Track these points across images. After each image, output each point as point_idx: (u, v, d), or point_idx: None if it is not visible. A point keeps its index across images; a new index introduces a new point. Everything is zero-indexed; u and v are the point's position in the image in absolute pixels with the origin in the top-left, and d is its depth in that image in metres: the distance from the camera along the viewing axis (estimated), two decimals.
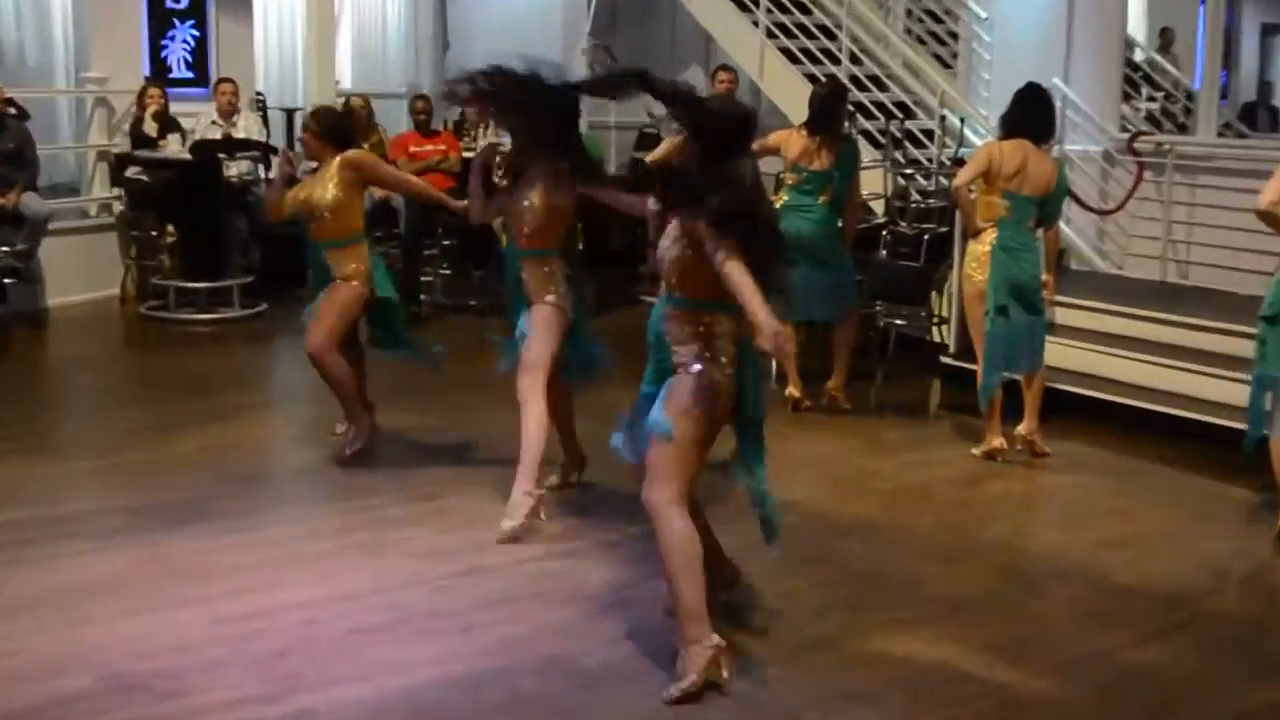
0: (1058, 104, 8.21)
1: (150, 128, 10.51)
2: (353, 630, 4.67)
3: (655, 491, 4.23)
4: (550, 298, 5.81)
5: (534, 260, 5.84)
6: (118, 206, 10.89)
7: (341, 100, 11.58)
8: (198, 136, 10.57)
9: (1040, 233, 7.07)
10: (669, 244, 4.30)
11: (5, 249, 9.58)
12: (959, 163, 9.24)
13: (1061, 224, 7.66)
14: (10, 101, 10.19)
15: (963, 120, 9.86)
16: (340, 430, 6.72)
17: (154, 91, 10.71)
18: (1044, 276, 7.00)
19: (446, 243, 11.15)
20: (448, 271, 11.30)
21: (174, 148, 10.34)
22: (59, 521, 5.68)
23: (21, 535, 5.49)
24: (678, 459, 4.23)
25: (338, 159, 6.43)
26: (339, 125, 6.66)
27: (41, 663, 4.35)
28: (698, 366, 4.23)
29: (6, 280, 9.69)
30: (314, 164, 6.68)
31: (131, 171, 10.55)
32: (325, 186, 6.40)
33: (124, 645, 4.49)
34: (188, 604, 4.85)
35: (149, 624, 4.68)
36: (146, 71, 11.33)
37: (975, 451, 7.05)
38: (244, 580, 5.08)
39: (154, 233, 10.61)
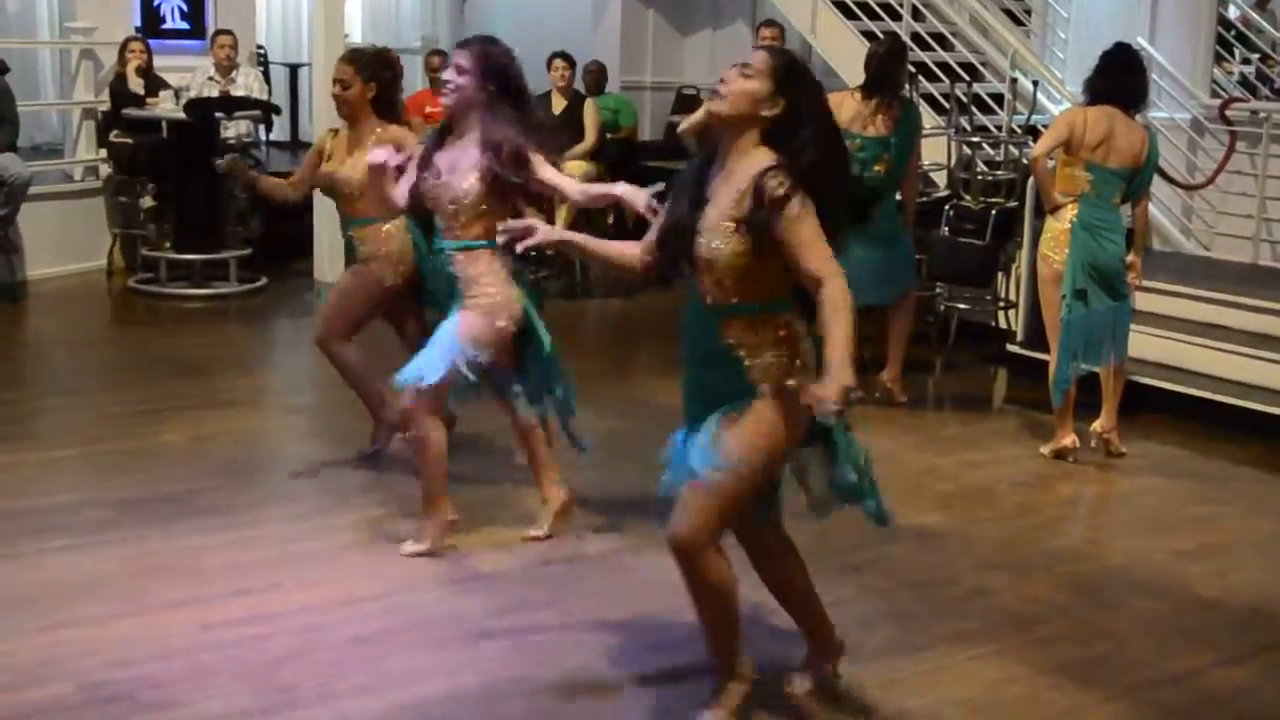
0: None
1: (135, 84, 10.56)
2: (356, 638, 4.69)
3: (697, 530, 3.89)
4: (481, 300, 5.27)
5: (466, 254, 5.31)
6: (104, 170, 10.98)
7: None
8: (192, 94, 10.62)
9: (1126, 209, 7.03)
10: (716, 241, 3.84)
11: None
12: (1031, 131, 9.24)
13: None
14: None
15: (1036, 84, 9.80)
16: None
17: (135, 45, 10.77)
18: (1129, 258, 6.96)
19: None
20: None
21: (166, 106, 10.38)
22: (37, 515, 5.72)
23: None
24: (739, 493, 3.93)
25: (377, 133, 6.00)
26: (385, 80, 6.11)
27: (17, 669, 4.38)
28: (791, 382, 3.88)
29: None
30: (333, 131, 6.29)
31: (116, 135, 10.61)
32: (358, 162, 5.92)
33: (106, 651, 4.52)
34: (176, 607, 4.88)
35: (134, 628, 4.70)
36: (137, 22, 11.40)
37: (1044, 450, 7.03)
38: (238, 582, 5.11)
39: (144, 199, 10.67)
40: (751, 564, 4.27)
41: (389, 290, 6.26)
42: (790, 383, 3.88)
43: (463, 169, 5.13)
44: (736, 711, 4.15)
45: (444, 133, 5.27)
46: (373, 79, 6.06)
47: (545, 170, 5.12)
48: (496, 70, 5.09)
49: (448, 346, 5.15)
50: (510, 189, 5.14)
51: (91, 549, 5.39)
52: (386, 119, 6.12)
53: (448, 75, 5.13)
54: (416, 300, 6.20)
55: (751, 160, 3.85)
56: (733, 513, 3.95)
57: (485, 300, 5.21)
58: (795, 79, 3.88)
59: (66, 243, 10.66)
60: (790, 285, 3.87)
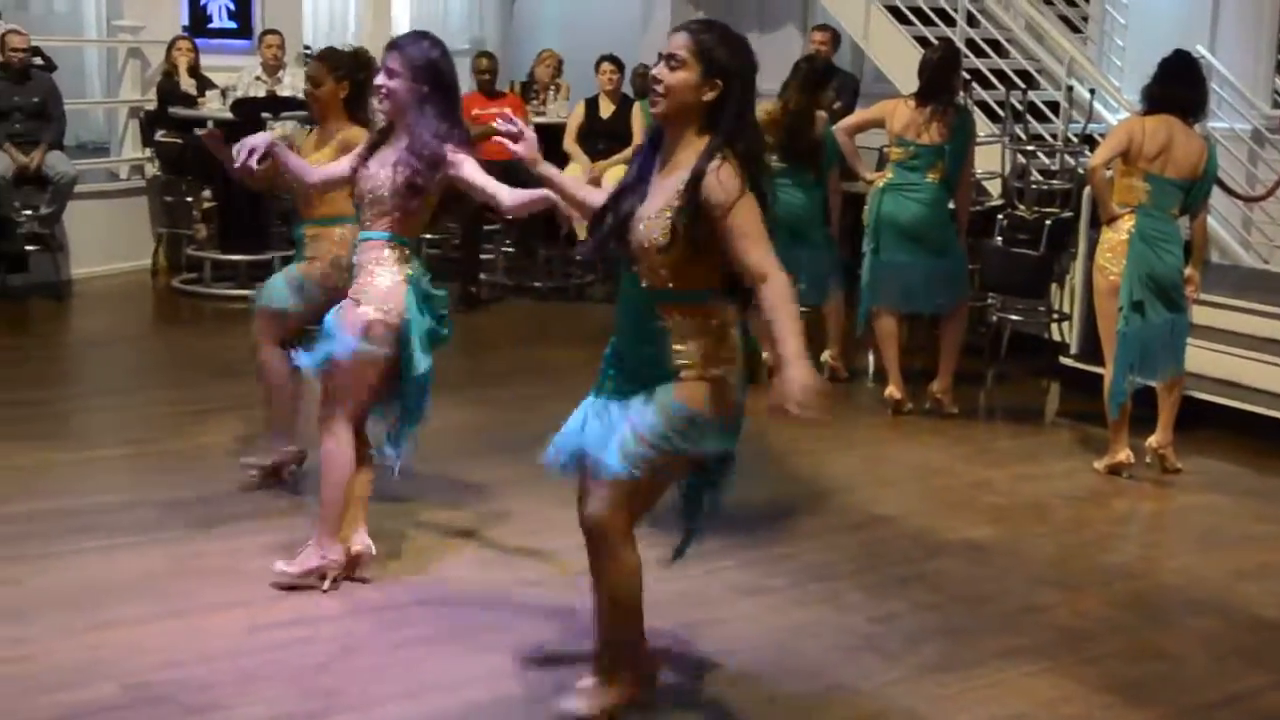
0: None
1: (188, 84, 10.65)
2: (400, 643, 4.71)
3: (610, 516, 3.95)
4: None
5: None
6: (150, 169, 11.06)
7: None
8: (239, 93, 10.69)
9: (1184, 221, 6.99)
10: (655, 233, 3.82)
11: (27, 214, 9.76)
12: (1087, 140, 9.21)
13: None
14: (36, 51, 10.37)
15: (1092, 92, 9.76)
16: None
17: (183, 44, 10.85)
18: (1187, 270, 6.91)
19: (510, 218, 11.20)
20: (510, 249, 11.36)
21: (213, 105, 10.46)
22: (82, 515, 5.77)
23: (41, 529, 5.59)
24: (655, 486, 4.00)
25: (340, 136, 5.91)
26: (358, 80, 5.99)
27: (61, 670, 4.42)
28: (715, 371, 3.87)
29: (28, 248, 9.88)
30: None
31: (162, 134, 10.69)
32: (317, 162, 5.80)
33: (150, 653, 4.55)
34: (221, 609, 4.91)
35: (178, 630, 4.74)
36: (185, 20, 11.49)
37: (1098, 465, 7.00)
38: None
39: (189, 199, 10.75)
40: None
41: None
42: (715, 372, 3.87)
43: (385, 163, 5.11)
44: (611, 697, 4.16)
45: (387, 131, 5.24)
46: (345, 79, 6.01)
47: (469, 171, 4.98)
48: (427, 68, 5.01)
49: (335, 337, 5.00)
50: (423, 189, 5.01)
51: (134, 549, 5.43)
52: (356, 120, 6.04)
53: (379, 80, 5.08)
54: None
55: (693, 149, 3.83)
56: (645, 502, 3.99)
57: (361, 288, 5.03)
58: (724, 55, 3.82)
59: (111, 242, 10.75)
60: (725, 277, 3.85)
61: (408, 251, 5.06)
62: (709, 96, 3.82)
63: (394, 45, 5.06)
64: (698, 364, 3.87)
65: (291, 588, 5.06)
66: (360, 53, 6.19)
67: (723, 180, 3.74)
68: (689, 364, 3.88)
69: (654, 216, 3.84)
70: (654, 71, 3.88)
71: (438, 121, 4.98)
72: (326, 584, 5.10)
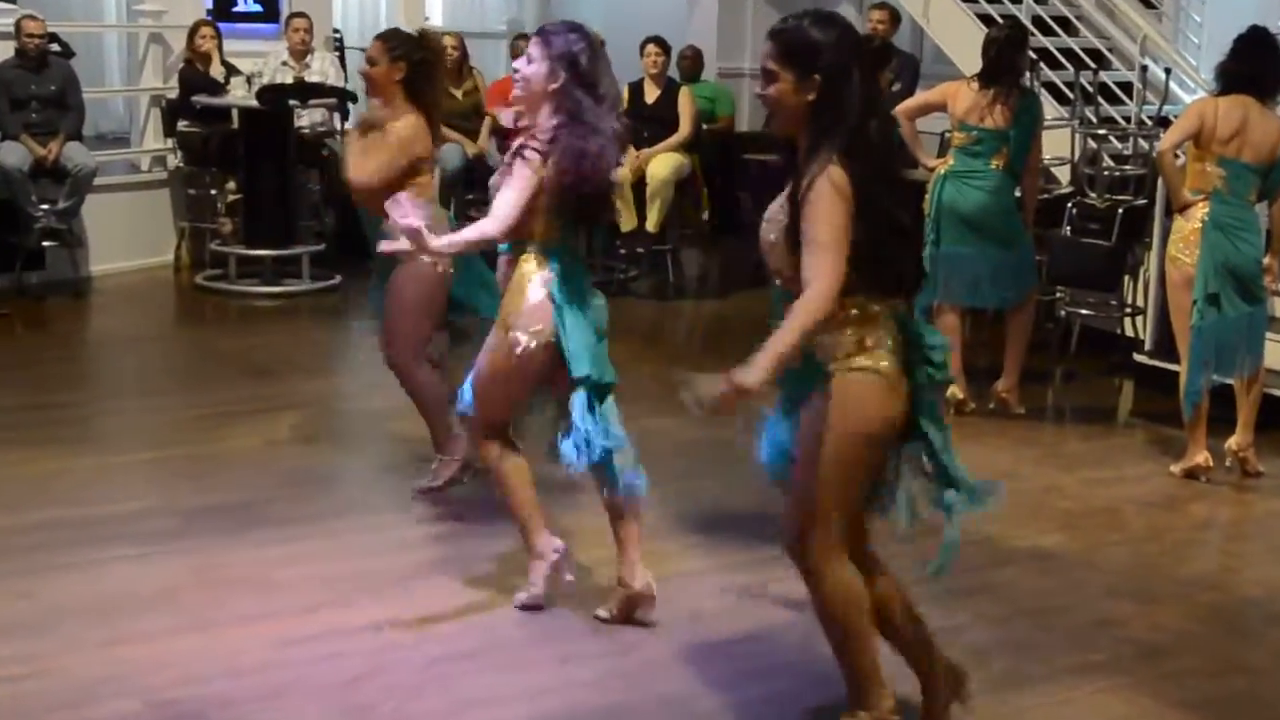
0: None
1: (216, 70, 10.71)
2: (436, 658, 4.73)
3: (808, 539, 3.94)
4: None
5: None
6: (172, 161, 11.12)
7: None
8: (265, 80, 10.73)
9: (1262, 207, 6.94)
10: (772, 234, 3.92)
11: (45, 207, 9.81)
12: (1163, 122, 9.13)
13: None
14: (53, 37, 10.43)
15: (1168, 71, 9.69)
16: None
17: (206, 29, 10.90)
18: (1266, 259, 6.86)
19: None
20: None
21: (238, 93, 10.51)
22: (102, 523, 5.81)
23: (60, 537, 5.63)
24: (832, 495, 3.92)
25: (392, 128, 5.95)
26: (415, 61, 6.02)
27: (80, 685, 4.45)
28: (864, 362, 3.84)
29: (45, 243, 9.95)
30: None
31: (185, 124, 10.75)
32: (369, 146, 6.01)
33: (174, 667, 4.58)
34: (247, 622, 4.94)
35: (203, 643, 4.77)
36: (208, 4, 11.55)
37: (1175, 469, 6.95)
38: (312, 597, 5.16)
39: (213, 191, 10.81)
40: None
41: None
42: (864, 363, 3.83)
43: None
44: None
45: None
46: (401, 59, 6.01)
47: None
48: (566, 60, 4.88)
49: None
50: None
51: (157, 559, 5.46)
52: (416, 105, 6.03)
53: (516, 63, 5.09)
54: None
55: (808, 152, 3.84)
56: (833, 516, 3.89)
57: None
58: (811, 48, 3.80)
59: (132, 237, 10.81)
60: (855, 267, 3.79)
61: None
62: (812, 97, 3.82)
63: (540, 32, 5.03)
64: (839, 356, 3.85)
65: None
66: (425, 34, 6.25)
67: (815, 187, 3.74)
68: (828, 356, 3.85)
69: (773, 217, 3.91)
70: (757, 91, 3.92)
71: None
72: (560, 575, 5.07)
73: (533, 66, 4.89)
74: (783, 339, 3.69)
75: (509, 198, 4.81)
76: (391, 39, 6.16)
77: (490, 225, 4.83)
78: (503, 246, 4.99)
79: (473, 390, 5.00)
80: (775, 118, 3.94)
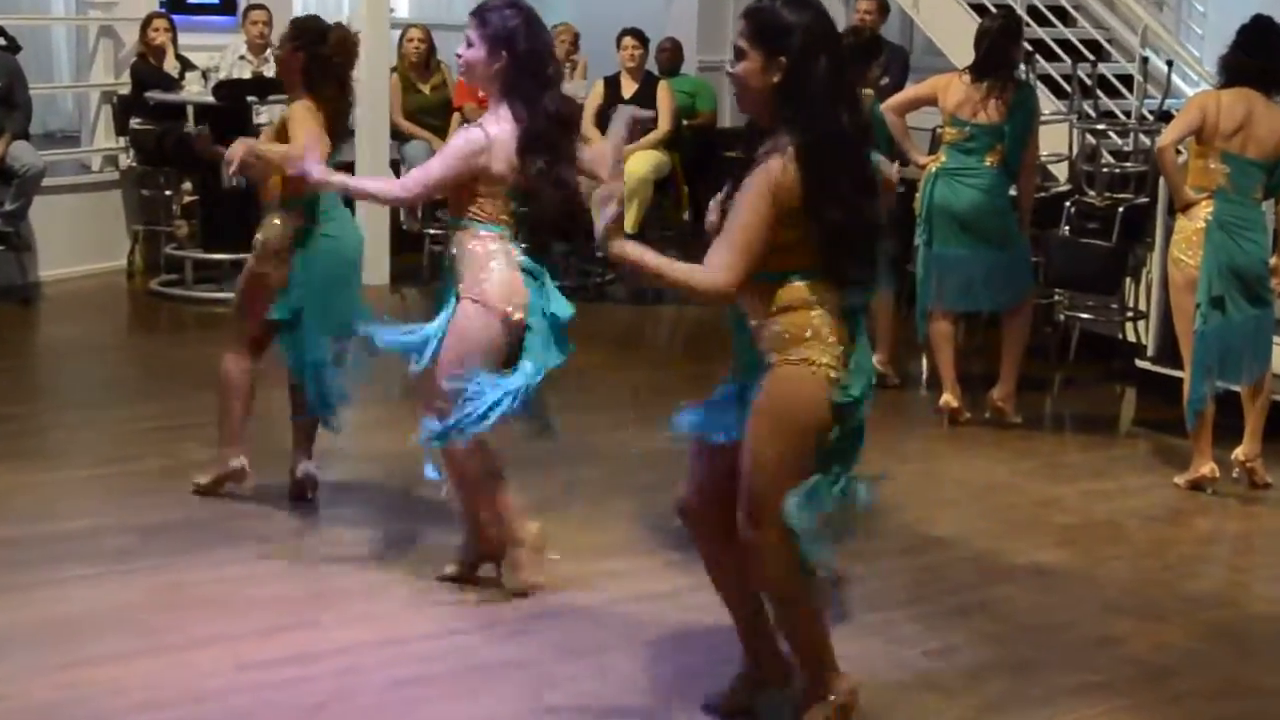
0: None
1: (170, 65, 10.70)
2: (402, 680, 4.74)
3: (760, 528, 4.09)
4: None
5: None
6: (125, 160, 11.10)
7: (398, 33, 11.73)
8: (222, 75, 10.73)
9: (1269, 205, 6.98)
10: (712, 209, 4.16)
11: None
12: (1164, 117, 9.18)
13: None
14: None
15: (1170, 63, 9.76)
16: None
17: (159, 22, 10.89)
18: (1272, 260, 6.92)
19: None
20: (524, 245, 11.37)
21: (194, 89, 10.51)
22: (56, 541, 5.82)
23: (10, 557, 5.63)
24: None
25: (282, 113, 6.20)
26: (313, 52, 6.10)
27: (32, 713, 4.46)
28: (804, 354, 3.99)
29: None
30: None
31: (137, 121, 10.74)
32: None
33: (132, 692, 4.58)
34: (207, 644, 4.95)
35: (162, 667, 4.77)
36: None
37: (1179, 480, 6.99)
38: (274, 618, 5.18)
39: (168, 192, 10.80)
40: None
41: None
42: (803, 355, 3.97)
43: None
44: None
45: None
46: (300, 49, 6.09)
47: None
48: (504, 38, 5.10)
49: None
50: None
51: (112, 579, 5.47)
52: (314, 94, 6.08)
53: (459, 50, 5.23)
54: None
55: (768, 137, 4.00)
56: (773, 500, 4.04)
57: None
58: (779, 26, 3.93)
59: (83, 240, 10.79)
60: (811, 256, 3.96)
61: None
62: (777, 79, 3.93)
63: (475, 12, 5.16)
64: (780, 347, 3.99)
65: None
66: (339, 29, 6.28)
67: (752, 177, 3.91)
68: (771, 347, 4.01)
69: (715, 202, 4.11)
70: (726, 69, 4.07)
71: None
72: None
73: (473, 50, 5.01)
74: (664, 267, 3.90)
75: (431, 166, 5.08)
76: (298, 26, 6.29)
77: (398, 190, 5.26)
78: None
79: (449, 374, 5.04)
80: (741, 98, 4.06)
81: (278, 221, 6.13)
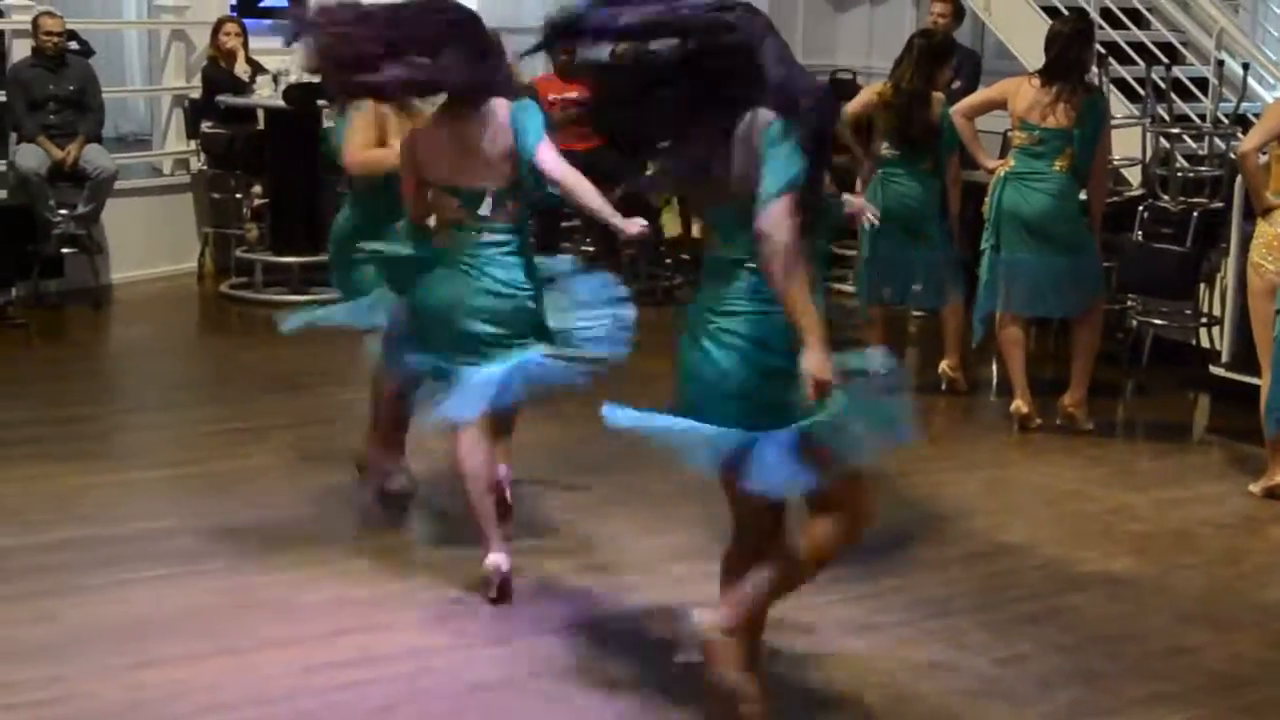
0: None
1: (242, 69, 10.77)
2: (475, 685, 4.75)
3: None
4: None
5: None
6: (196, 163, 11.20)
7: None
8: (293, 79, 10.78)
9: None
10: None
11: (63, 213, 9.90)
12: (1240, 121, 9.10)
13: None
14: (72, 35, 10.52)
15: (1245, 66, 9.65)
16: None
17: (231, 26, 10.97)
18: None
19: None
20: (589, 249, 11.38)
21: (264, 93, 10.58)
22: (125, 542, 5.87)
23: (78, 558, 5.69)
24: None
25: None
26: None
27: (100, 713, 4.50)
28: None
29: (64, 250, 10.01)
30: None
31: (208, 125, 10.82)
32: None
33: (198, 694, 4.62)
34: (274, 646, 4.98)
35: (228, 669, 4.81)
36: (233, 0, 11.62)
37: (1253, 488, 6.92)
38: (342, 621, 5.20)
39: (238, 195, 10.88)
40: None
41: None
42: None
43: None
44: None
45: None
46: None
47: None
48: None
49: None
50: None
51: (180, 581, 5.51)
52: None
53: None
54: None
55: None
56: None
57: None
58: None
59: (154, 243, 10.89)
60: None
61: None
62: None
63: None
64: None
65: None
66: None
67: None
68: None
69: None
70: None
71: None
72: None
73: None
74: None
75: None
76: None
77: None
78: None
79: None
80: None
81: None
